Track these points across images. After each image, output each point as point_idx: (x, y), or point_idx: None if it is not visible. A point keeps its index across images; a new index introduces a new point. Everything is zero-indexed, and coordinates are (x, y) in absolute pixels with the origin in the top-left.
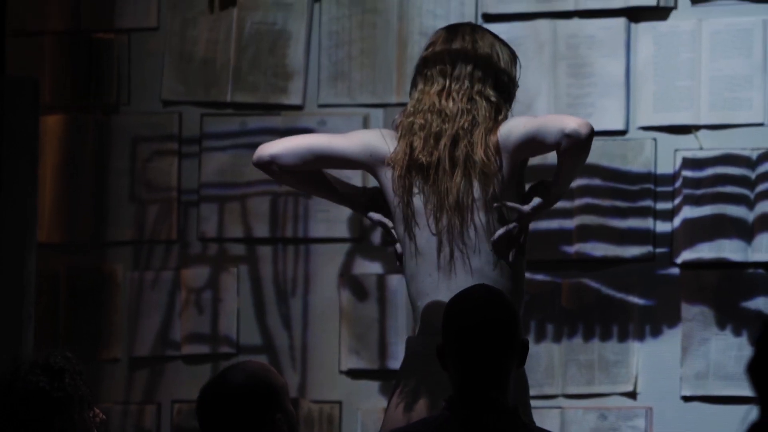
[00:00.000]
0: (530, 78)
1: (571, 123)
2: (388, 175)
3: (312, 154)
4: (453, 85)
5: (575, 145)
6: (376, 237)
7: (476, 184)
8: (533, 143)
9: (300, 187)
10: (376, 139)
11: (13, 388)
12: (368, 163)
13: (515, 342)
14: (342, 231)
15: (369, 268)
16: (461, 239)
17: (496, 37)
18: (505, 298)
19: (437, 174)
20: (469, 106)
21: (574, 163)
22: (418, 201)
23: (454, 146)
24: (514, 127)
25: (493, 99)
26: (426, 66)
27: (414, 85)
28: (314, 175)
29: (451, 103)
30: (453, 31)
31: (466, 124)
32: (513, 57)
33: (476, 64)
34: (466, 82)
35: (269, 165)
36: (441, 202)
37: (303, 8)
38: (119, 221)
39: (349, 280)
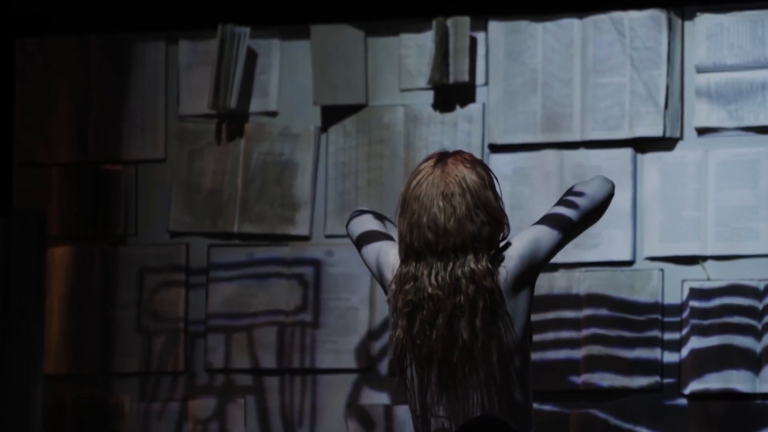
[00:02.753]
0: (537, 207)
1: (609, 185)
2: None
3: (356, 246)
4: (439, 264)
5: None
6: (383, 367)
7: (477, 361)
8: (588, 223)
9: None
10: (387, 271)
11: None
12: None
13: None
14: (349, 362)
15: (376, 398)
16: (462, 393)
17: (467, 173)
18: (510, 428)
19: (436, 351)
20: (458, 285)
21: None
22: (415, 370)
23: (450, 324)
24: (540, 241)
25: (477, 269)
26: (413, 239)
27: (406, 256)
28: None
29: (440, 281)
30: (429, 191)
31: (460, 303)
32: (491, 182)
33: (456, 234)
34: (451, 259)
35: None
36: (440, 372)
37: (310, 139)
38: (126, 352)
39: (356, 410)
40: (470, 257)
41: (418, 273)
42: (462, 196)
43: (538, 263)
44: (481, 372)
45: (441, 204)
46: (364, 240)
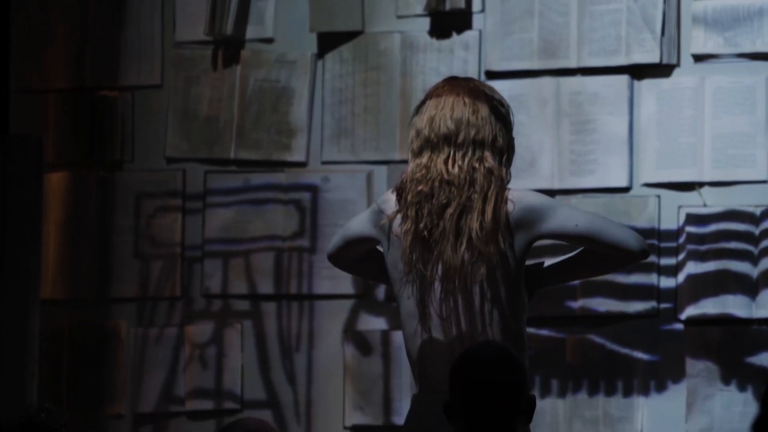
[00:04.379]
0: (534, 135)
1: (642, 243)
2: (392, 242)
3: (344, 240)
4: (457, 153)
5: (630, 262)
6: (380, 293)
7: (478, 255)
8: (585, 242)
9: (363, 275)
10: (376, 213)
11: None
12: (377, 237)
13: (522, 399)
14: (346, 287)
15: (373, 323)
16: (462, 302)
17: (491, 92)
18: (513, 356)
19: (442, 244)
20: (474, 176)
21: (605, 272)
22: (421, 267)
23: (460, 217)
24: (557, 213)
25: (494, 167)
26: (432, 129)
27: (420, 149)
28: (369, 262)
29: (456, 170)
30: (453, 90)
31: (473, 195)
32: (508, 111)
33: (478, 129)
34: (469, 150)
35: (334, 264)
36: (445, 270)
37: (306, 65)
38: (123, 277)
39: (353, 335)
40: (488, 154)
41: (431, 163)
42: (486, 101)
43: (541, 231)
44: (482, 284)
45: (467, 100)
46: (347, 223)
